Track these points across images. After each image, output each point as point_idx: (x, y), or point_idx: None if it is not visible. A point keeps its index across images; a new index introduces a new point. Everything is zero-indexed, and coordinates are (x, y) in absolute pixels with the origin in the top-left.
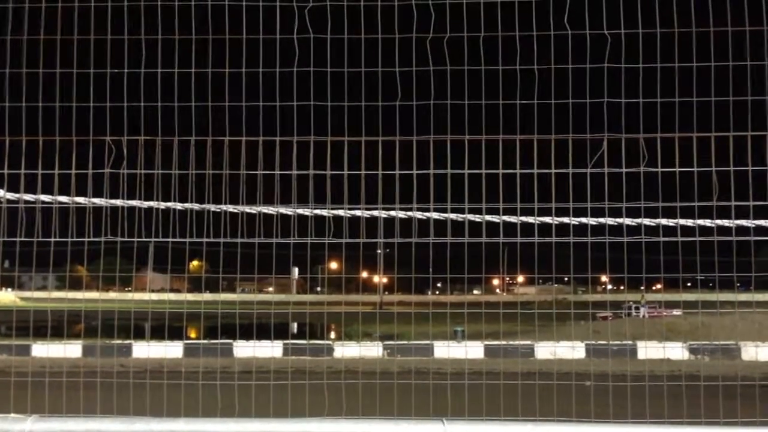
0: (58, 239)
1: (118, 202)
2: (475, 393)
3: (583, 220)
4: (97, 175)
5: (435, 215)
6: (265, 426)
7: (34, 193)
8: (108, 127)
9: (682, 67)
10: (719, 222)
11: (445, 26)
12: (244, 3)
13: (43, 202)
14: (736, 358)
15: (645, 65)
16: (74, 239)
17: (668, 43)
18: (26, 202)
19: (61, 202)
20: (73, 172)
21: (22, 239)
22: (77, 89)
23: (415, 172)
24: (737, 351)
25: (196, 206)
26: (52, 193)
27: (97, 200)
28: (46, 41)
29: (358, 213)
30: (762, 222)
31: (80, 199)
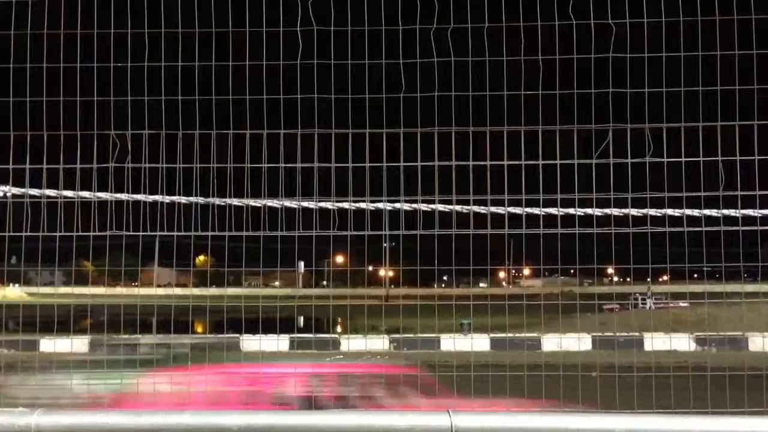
0: (63, 233)
1: (123, 197)
2: (482, 385)
3: (589, 211)
4: (102, 169)
5: (440, 207)
6: (270, 418)
7: (39, 188)
8: (112, 121)
9: (687, 56)
10: (726, 212)
11: (448, 17)
12: None
13: (48, 197)
14: (743, 349)
15: (650, 55)
16: (79, 233)
17: (674, 32)
18: (31, 197)
19: (65, 197)
20: (78, 166)
21: (28, 234)
22: (81, 84)
23: (419, 164)
24: (744, 342)
25: (200, 200)
26: (56, 188)
27: (102, 194)
28: (49, 35)
29: (362, 206)
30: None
31: (85, 194)
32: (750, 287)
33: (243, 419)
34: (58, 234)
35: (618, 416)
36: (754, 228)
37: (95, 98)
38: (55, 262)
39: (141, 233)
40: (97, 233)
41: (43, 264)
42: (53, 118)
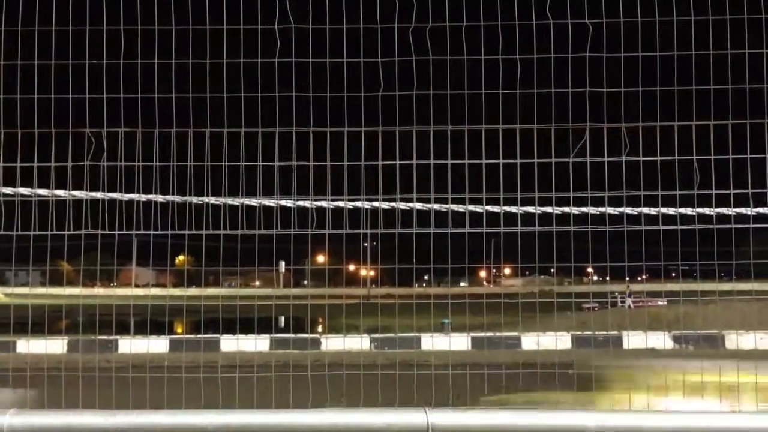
0: (37, 233)
1: (99, 195)
2: (461, 384)
3: (566, 209)
4: (77, 167)
5: (418, 206)
6: (247, 417)
7: (13, 186)
8: (87, 119)
9: (663, 56)
10: (700, 210)
11: (427, 16)
12: None
13: (23, 196)
14: (720, 347)
15: (626, 54)
16: (54, 233)
17: (649, 31)
18: (5, 195)
19: (40, 195)
20: (53, 164)
21: (2, 233)
22: (56, 81)
23: (398, 162)
24: (721, 340)
25: (177, 198)
26: (31, 187)
27: (77, 193)
28: (23, 32)
29: (341, 204)
30: (742, 210)
31: (60, 192)
32: (725, 286)
33: (218, 419)
34: (32, 233)
35: (592, 413)
36: (728, 226)
37: (70, 96)
38: (29, 261)
39: (117, 232)
40: (72, 232)
41: (19, 264)
42: (27, 116)
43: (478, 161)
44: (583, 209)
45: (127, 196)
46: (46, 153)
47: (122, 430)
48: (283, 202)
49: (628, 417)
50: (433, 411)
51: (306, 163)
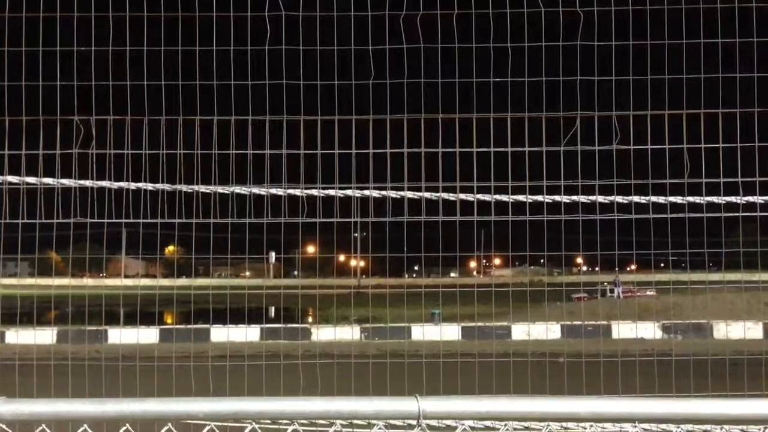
0: (26, 221)
1: (88, 183)
2: (451, 373)
3: (557, 198)
4: (65, 155)
5: (409, 194)
6: (237, 405)
7: (1, 174)
8: (76, 106)
9: (654, 44)
10: (690, 199)
11: (418, 5)
12: None
13: (11, 184)
14: (708, 337)
15: (617, 43)
16: (43, 221)
17: (640, 21)
18: None
19: (28, 184)
20: (41, 152)
21: None
22: (44, 68)
23: (388, 151)
24: (709, 329)
25: (167, 187)
26: (19, 174)
27: (65, 181)
28: (10, 19)
29: (331, 192)
30: (732, 198)
31: (48, 180)
32: (714, 276)
33: (208, 406)
34: (20, 222)
35: (582, 400)
36: (718, 215)
37: (58, 83)
38: (17, 251)
39: (106, 220)
40: (61, 221)
41: (7, 254)
42: (15, 104)
43: (469, 149)
44: (574, 198)
45: (116, 185)
46: (35, 140)
47: (112, 418)
48: (273, 191)
49: (619, 403)
50: (424, 398)
51: (297, 152)
